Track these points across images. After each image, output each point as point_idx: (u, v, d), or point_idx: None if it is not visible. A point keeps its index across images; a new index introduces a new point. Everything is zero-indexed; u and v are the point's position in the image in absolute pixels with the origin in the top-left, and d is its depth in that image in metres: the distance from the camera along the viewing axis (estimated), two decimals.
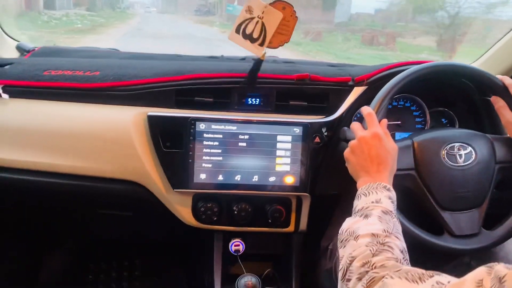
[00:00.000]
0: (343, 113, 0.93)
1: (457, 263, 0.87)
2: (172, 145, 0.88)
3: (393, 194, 0.68)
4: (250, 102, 0.95)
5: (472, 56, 1.21)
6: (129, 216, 1.18)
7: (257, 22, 0.82)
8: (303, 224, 0.98)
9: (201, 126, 0.88)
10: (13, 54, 1.17)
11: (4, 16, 1.29)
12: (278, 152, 0.91)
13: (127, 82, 0.91)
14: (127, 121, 0.88)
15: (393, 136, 0.97)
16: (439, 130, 0.89)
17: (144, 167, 0.88)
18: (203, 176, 0.90)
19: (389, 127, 0.84)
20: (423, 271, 0.49)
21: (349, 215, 0.68)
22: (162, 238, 1.40)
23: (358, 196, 0.69)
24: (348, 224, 0.65)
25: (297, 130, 0.90)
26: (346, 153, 0.76)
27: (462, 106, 1.05)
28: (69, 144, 0.88)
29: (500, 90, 0.82)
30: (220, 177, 0.90)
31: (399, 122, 1.04)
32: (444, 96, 1.05)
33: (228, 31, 0.87)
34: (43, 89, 0.90)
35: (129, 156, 0.88)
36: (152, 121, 0.88)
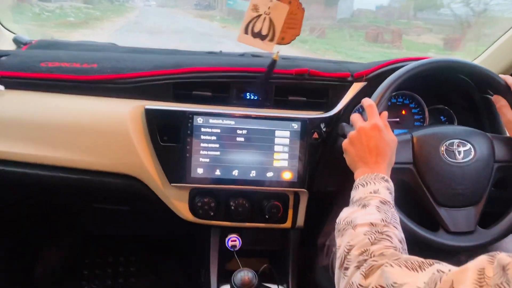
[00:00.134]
0: (342, 109, 0.92)
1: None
2: (170, 139, 0.88)
3: (391, 185, 0.68)
4: (248, 97, 0.94)
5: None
6: (125, 211, 1.17)
7: (265, 18, 0.81)
8: (300, 220, 0.98)
9: (199, 120, 0.88)
10: (10, 47, 1.15)
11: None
12: (276, 148, 0.90)
13: (125, 75, 0.90)
14: (124, 114, 0.87)
15: None
16: (439, 126, 0.88)
17: (141, 161, 0.88)
18: (200, 170, 0.89)
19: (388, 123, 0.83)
20: (423, 259, 0.49)
21: None
22: (158, 233, 1.40)
23: (356, 187, 0.68)
24: (346, 213, 0.64)
25: (296, 126, 0.90)
26: (345, 144, 0.76)
27: (461, 104, 1.04)
28: (65, 136, 0.88)
29: (502, 89, 0.82)
30: (218, 172, 0.90)
31: (398, 119, 1.03)
32: (443, 93, 1.04)
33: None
34: (40, 81, 0.89)
35: (125, 149, 0.88)
36: (150, 114, 0.87)
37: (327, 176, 0.94)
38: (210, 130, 0.88)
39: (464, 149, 0.79)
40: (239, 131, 0.89)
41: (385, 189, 0.65)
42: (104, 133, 0.88)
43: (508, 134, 0.90)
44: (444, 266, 0.46)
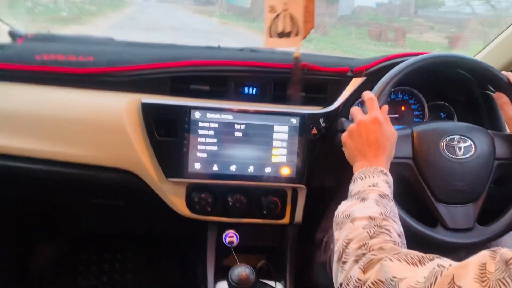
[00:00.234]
0: (341, 104, 0.92)
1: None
2: (166, 133, 0.87)
3: (390, 178, 0.67)
4: (247, 92, 0.93)
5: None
6: (122, 208, 1.17)
7: (285, 16, 0.81)
8: (299, 216, 0.97)
9: (196, 114, 0.86)
10: (5, 40, 1.14)
11: None
12: (275, 143, 0.89)
13: (121, 68, 0.89)
14: (120, 108, 0.86)
15: None
16: (439, 122, 0.88)
17: (137, 155, 0.87)
18: (197, 165, 0.88)
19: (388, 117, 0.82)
20: (423, 254, 0.48)
21: None
22: (155, 229, 1.39)
23: (354, 180, 0.67)
24: (344, 206, 0.63)
25: (294, 121, 0.89)
26: (344, 136, 0.74)
27: (461, 100, 1.03)
28: (60, 130, 0.86)
29: (504, 86, 0.81)
30: (215, 167, 0.89)
31: (397, 115, 1.02)
32: (442, 90, 1.03)
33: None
34: (34, 74, 0.88)
35: (121, 144, 0.86)
36: (146, 108, 0.86)
37: (325, 172, 0.93)
38: (208, 124, 0.87)
39: (464, 145, 0.79)
40: (237, 126, 0.88)
41: (384, 183, 0.65)
42: (100, 127, 0.87)
43: (509, 131, 0.89)
44: (445, 261, 0.45)
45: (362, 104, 0.77)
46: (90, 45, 1.05)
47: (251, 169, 0.90)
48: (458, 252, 0.85)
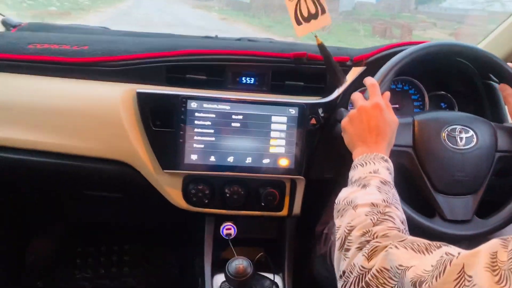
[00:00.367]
0: (340, 94, 0.90)
1: None
2: (162, 124, 0.85)
3: (390, 165, 0.65)
4: (244, 81, 0.91)
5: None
6: (119, 200, 1.15)
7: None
8: (297, 208, 0.96)
9: (193, 104, 0.85)
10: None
11: None
12: (273, 134, 0.88)
13: (117, 57, 0.87)
14: (116, 98, 0.85)
15: None
16: (441, 111, 0.86)
17: (132, 146, 0.85)
18: (194, 157, 0.87)
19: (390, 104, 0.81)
20: (429, 241, 0.47)
21: None
22: (152, 222, 1.38)
23: (355, 167, 0.66)
24: (345, 193, 0.62)
25: (293, 111, 0.87)
26: (344, 122, 0.73)
27: (462, 91, 1.02)
28: (54, 121, 0.85)
29: (507, 76, 0.79)
30: (212, 158, 0.87)
31: (397, 106, 1.01)
32: (443, 79, 1.02)
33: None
34: (27, 63, 0.86)
35: (117, 134, 0.85)
36: (142, 98, 0.84)
37: (324, 163, 0.91)
38: (205, 115, 0.86)
39: (466, 135, 0.77)
40: (234, 116, 0.86)
41: (385, 169, 0.63)
42: (94, 117, 0.85)
43: (511, 123, 0.88)
44: (453, 249, 0.44)
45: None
46: (85, 35, 1.03)
47: (248, 160, 0.88)
48: (459, 244, 0.84)
